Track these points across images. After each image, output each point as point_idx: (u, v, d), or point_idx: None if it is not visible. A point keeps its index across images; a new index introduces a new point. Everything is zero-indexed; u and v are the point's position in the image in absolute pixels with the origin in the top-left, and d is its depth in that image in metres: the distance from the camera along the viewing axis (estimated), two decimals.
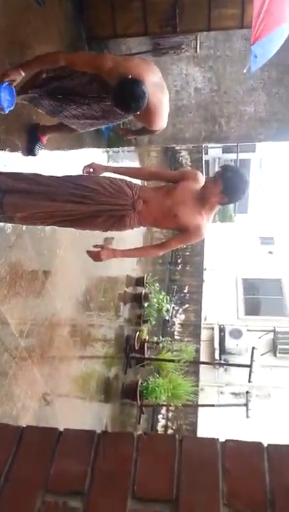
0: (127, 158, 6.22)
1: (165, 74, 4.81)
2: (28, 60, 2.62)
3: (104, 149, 5.20)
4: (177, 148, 9.76)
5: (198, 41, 4.46)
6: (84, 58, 2.58)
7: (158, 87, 2.60)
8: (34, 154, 3.11)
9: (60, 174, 2.57)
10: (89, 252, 2.54)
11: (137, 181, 2.66)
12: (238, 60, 4.75)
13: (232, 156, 13.48)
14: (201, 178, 2.52)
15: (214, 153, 16.16)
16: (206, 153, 13.67)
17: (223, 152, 15.61)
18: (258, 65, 2.79)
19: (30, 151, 3.07)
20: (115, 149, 5.48)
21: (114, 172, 2.59)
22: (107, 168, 2.60)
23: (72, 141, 4.04)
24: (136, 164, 6.54)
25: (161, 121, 2.73)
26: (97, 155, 4.92)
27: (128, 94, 2.38)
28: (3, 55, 2.79)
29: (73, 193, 2.42)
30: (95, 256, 2.52)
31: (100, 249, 2.52)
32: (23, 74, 2.48)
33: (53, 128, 3.16)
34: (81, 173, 2.58)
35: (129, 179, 2.57)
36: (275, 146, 14.78)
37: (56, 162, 3.62)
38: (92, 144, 4.68)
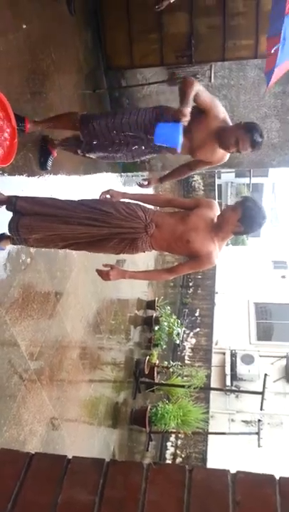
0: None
1: None
2: (57, 121, 2.97)
3: (119, 174, 5.30)
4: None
5: (213, 71, 4.58)
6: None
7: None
8: (46, 168, 3.15)
9: (75, 198, 2.62)
10: (98, 271, 2.56)
11: (151, 206, 2.70)
12: (251, 89, 4.85)
13: (245, 180, 13.55)
14: (216, 207, 2.55)
15: (227, 178, 16.28)
16: (219, 178, 13.79)
17: (236, 176, 15.74)
18: (285, 54, 2.56)
19: (42, 165, 3.12)
20: (129, 174, 5.58)
21: (131, 198, 2.63)
22: (124, 195, 2.63)
23: (88, 166, 4.13)
24: (150, 189, 6.62)
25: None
26: (111, 179, 5.01)
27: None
28: (25, 84, 2.90)
29: (87, 217, 2.47)
30: (104, 275, 2.53)
31: (109, 268, 2.53)
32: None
33: (64, 142, 3.18)
34: (97, 198, 2.63)
35: (144, 204, 2.61)
36: (288, 171, 14.83)
37: (71, 187, 3.69)
38: (106, 169, 4.78)
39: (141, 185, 3.12)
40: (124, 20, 4.02)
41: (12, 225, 2.46)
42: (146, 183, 3.09)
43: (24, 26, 2.84)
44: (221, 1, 3.82)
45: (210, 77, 4.62)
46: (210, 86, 4.87)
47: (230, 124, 2.82)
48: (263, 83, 4.79)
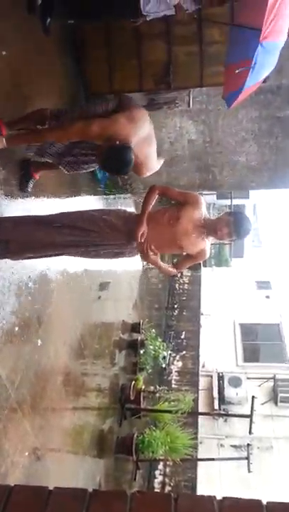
0: (123, 205, 6.35)
1: (160, 127, 5.03)
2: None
3: (101, 196, 5.32)
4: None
5: (191, 96, 4.71)
6: (71, 132, 2.69)
7: (145, 141, 2.76)
8: (27, 191, 3.13)
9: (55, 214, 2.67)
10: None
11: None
12: (229, 114, 5.00)
13: (226, 201, 13.78)
14: (202, 203, 2.64)
15: (209, 199, 16.53)
16: None
17: (217, 198, 16.01)
18: (255, 77, 2.69)
19: (22, 188, 3.10)
20: (111, 196, 5.61)
21: (147, 213, 2.62)
22: (146, 221, 2.61)
23: (69, 187, 4.14)
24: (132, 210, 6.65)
25: (148, 171, 2.93)
26: (93, 201, 5.02)
27: (115, 162, 2.60)
28: (5, 109, 2.91)
29: (70, 240, 2.55)
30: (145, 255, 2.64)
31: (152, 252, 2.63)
32: (6, 145, 2.65)
33: (47, 165, 3.20)
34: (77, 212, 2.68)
35: (125, 213, 2.70)
36: (268, 192, 15.18)
37: (52, 208, 3.67)
38: (88, 191, 4.79)
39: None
40: (104, 48, 4.12)
41: None
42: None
43: (4, 53, 2.88)
44: (198, 30, 3.96)
45: (188, 102, 4.75)
46: (189, 111, 5.01)
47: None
48: (241, 108, 4.95)
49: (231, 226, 2.55)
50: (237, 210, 2.83)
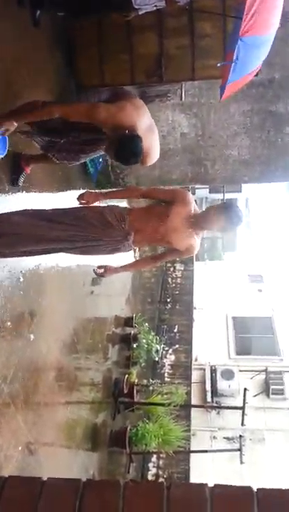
0: (115, 200, 6.33)
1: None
2: (22, 110, 2.73)
3: (93, 190, 5.29)
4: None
5: (183, 89, 4.69)
6: (78, 110, 2.68)
7: (149, 129, 2.76)
8: (18, 185, 3.10)
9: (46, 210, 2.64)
10: (95, 273, 2.80)
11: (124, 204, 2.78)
12: (221, 107, 4.99)
13: (219, 195, 13.80)
14: (191, 200, 2.64)
15: (201, 193, 16.56)
16: (194, 194, 14.01)
17: (210, 192, 16.02)
18: (239, 71, 2.65)
19: (13, 182, 3.07)
20: (103, 191, 5.58)
21: (108, 198, 2.65)
22: (98, 197, 2.69)
23: (61, 183, 4.12)
24: (124, 204, 6.64)
25: (151, 160, 2.95)
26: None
27: (129, 153, 2.63)
28: None
29: (64, 235, 2.52)
30: (100, 275, 2.83)
31: (102, 270, 2.80)
32: (16, 124, 2.57)
33: (37, 158, 3.17)
34: (69, 208, 2.66)
35: (117, 209, 2.66)
36: (261, 186, 15.23)
37: (44, 204, 3.65)
38: (80, 186, 4.77)
39: (96, 273, 2.91)
40: (95, 41, 4.08)
41: None
42: (101, 270, 2.85)
43: None
44: (189, 23, 3.94)
45: (181, 95, 4.73)
46: (181, 104, 4.99)
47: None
48: (233, 102, 4.94)
49: (221, 216, 2.56)
50: (227, 202, 2.87)
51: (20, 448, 3.04)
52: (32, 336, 3.30)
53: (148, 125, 2.76)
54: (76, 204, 2.74)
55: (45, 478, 0.89)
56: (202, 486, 0.76)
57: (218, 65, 2.72)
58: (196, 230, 2.62)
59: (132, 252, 2.88)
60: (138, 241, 2.63)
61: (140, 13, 3.32)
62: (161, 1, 3.30)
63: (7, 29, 3.05)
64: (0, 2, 2.96)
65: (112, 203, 2.83)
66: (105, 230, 2.53)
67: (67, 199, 4.23)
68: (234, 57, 2.51)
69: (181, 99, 4.77)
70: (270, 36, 2.71)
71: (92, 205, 2.68)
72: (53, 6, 3.52)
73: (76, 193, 4.62)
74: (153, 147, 2.84)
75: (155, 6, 3.35)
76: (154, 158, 2.94)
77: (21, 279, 3.18)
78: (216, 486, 0.75)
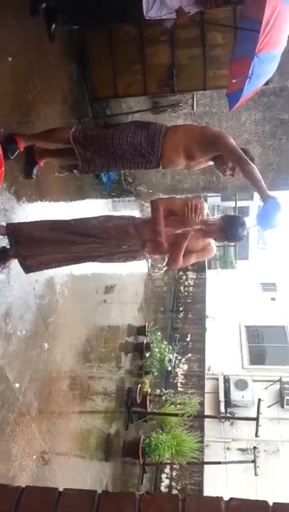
0: (128, 208, 6.37)
1: None
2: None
3: (106, 200, 5.34)
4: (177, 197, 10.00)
5: (195, 99, 4.72)
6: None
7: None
8: (32, 178, 3.11)
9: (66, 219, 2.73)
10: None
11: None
12: (232, 116, 5.00)
13: (231, 203, 13.77)
14: (204, 208, 2.68)
15: (213, 201, 16.55)
16: (206, 201, 13.96)
17: (222, 200, 16.00)
18: (252, 85, 2.80)
19: (27, 175, 3.08)
20: (116, 199, 5.63)
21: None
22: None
23: (74, 193, 4.16)
24: (136, 213, 6.67)
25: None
26: (99, 205, 5.04)
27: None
28: (10, 114, 2.94)
29: (86, 250, 2.63)
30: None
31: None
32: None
33: (51, 152, 3.16)
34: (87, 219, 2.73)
35: (137, 220, 2.75)
36: (273, 194, 15.11)
37: (59, 212, 3.70)
38: (93, 195, 4.82)
39: None
40: (108, 52, 4.15)
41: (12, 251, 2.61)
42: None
43: (10, 59, 2.91)
44: (201, 33, 3.98)
45: (192, 105, 4.76)
46: (192, 114, 5.02)
47: None
48: (243, 110, 4.95)
49: (221, 231, 2.62)
50: (231, 214, 2.84)
51: (34, 457, 3.04)
52: (46, 345, 3.32)
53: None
54: (94, 214, 2.80)
55: (61, 489, 0.89)
56: (217, 499, 0.75)
57: (233, 81, 2.78)
58: (207, 237, 2.70)
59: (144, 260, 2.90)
60: (153, 251, 2.70)
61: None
62: (172, 12, 3.35)
63: (21, 40, 3.12)
64: (15, 15, 3.03)
65: (130, 213, 2.88)
66: (123, 241, 2.61)
67: (81, 208, 4.29)
68: (249, 73, 2.59)
69: (192, 108, 4.80)
70: (280, 51, 2.82)
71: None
72: (67, 20, 3.59)
73: (90, 202, 4.69)
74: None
75: (166, 17, 3.40)
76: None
77: (36, 288, 3.21)
78: (231, 499, 0.74)
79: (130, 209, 6.46)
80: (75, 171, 3.05)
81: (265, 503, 0.73)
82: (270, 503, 0.73)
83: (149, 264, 5.99)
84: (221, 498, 0.75)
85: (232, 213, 2.80)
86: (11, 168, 2.89)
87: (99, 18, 3.51)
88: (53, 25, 3.45)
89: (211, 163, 3.01)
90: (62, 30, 3.70)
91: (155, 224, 2.64)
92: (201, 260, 2.97)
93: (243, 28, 2.90)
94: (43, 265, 2.69)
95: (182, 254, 2.68)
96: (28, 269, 2.67)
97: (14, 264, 2.76)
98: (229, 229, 2.62)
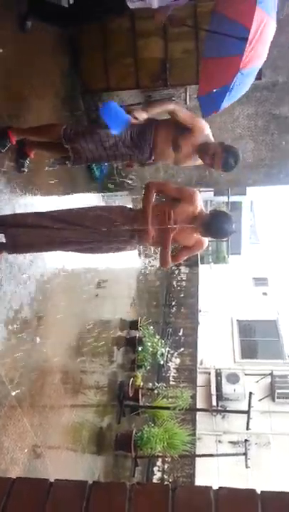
0: (121, 202, 6.34)
1: None
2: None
3: (99, 194, 5.32)
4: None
5: (188, 93, 4.70)
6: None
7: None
8: (23, 171, 3.10)
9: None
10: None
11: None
12: (225, 111, 4.99)
13: (223, 198, 13.80)
14: (197, 199, 2.69)
15: (206, 196, 16.52)
16: None
17: (214, 195, 16.00)
18: (231, 98, 2.81)
19: (18, 168, 3.07)
20: (109, 194, 5.61)
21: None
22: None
23: (66, 186, 4.14)
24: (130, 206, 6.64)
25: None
26: (91, 199, 5.02)
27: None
28: (2, 107, 2.91)
29: (74, 237, 2.61)
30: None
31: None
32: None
33: (41, 145, 3.14)
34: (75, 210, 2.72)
35: (125, 209, 2.76)
36: (265, 189, 15.19)
37: (50, 205, 3.67)
38: (86, 189, 4.80)
39: None
40: (100, 45, 4.11)
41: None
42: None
43: (0, 51, 2.87)
44: (194, 27, 3.96)
45: (185, 99, 4.74)
46: (186, 108, 5.00)
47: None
48: (237, 105, 4.94)
49: (204, 225, 2.62)
50: (218, 210, 2.82)
51: (26, 450, 3.05)
52: (38, 339, 3.31)
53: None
54: (84, 205, 2.80)
55: (52, 480, 0.90)
56: (207, 488, 0.77)
57: (214, 91, 2.79)
58: (198, 230, 2.69)
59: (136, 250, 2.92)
60: (145, 241, 2.70)
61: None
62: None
63: (12, 33, 3.09)
64: (6, 8, 2.99)
65: (121, 204, 2.87)
66: (113, 231, 2.60)
67: (73, 199, 4.27)
68: (230, 87, 2.61)
69: (186, 102, 4.78)
70: (259, 66, 2.83)
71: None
72: (57, 19, 3.49)
73: (82, 196, 4.67)
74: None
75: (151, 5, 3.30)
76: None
77: (27, 283, 3.20)
78: (220, 488, 0.75)
79: (123, 203, 6.43)
80: (67, 162, 3.03)
81: (253, 491, 0.75)
82: (258, 492, 0.75)
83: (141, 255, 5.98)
84: (211, 487, 0.76)
85: (222, 209, 2.80)
86: (1, 162, 2.87)
87: (87, 14, 3.41)
88: (29, 23, 3.32)
89: (200, 161, 3.00)
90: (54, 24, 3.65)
91: (143, 213, 2.64)
92: (193, 254, 2.97)
93: (225, 34, 2.82)
94: (28, 247, 2.68)
95: (170, 250, 2.69)
96: (13, 249, 2.67)
97: (5, 257, 2.75)
98: (212, 225, 2.61)
